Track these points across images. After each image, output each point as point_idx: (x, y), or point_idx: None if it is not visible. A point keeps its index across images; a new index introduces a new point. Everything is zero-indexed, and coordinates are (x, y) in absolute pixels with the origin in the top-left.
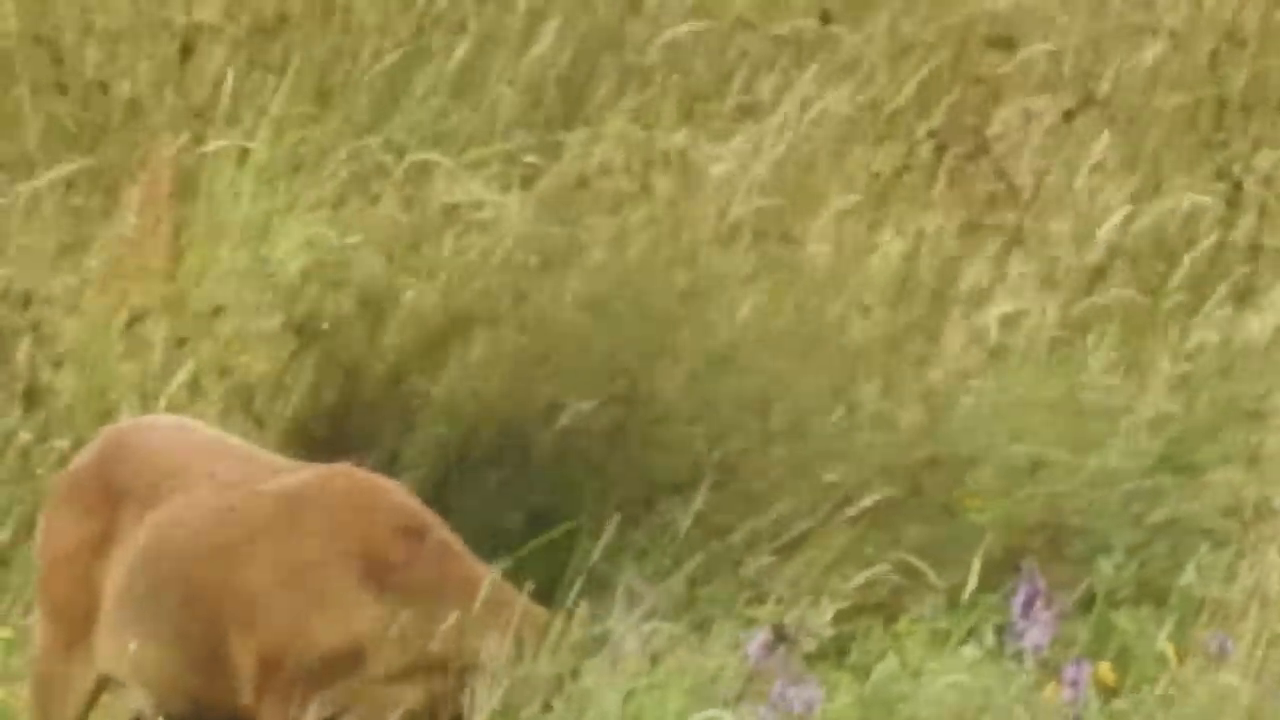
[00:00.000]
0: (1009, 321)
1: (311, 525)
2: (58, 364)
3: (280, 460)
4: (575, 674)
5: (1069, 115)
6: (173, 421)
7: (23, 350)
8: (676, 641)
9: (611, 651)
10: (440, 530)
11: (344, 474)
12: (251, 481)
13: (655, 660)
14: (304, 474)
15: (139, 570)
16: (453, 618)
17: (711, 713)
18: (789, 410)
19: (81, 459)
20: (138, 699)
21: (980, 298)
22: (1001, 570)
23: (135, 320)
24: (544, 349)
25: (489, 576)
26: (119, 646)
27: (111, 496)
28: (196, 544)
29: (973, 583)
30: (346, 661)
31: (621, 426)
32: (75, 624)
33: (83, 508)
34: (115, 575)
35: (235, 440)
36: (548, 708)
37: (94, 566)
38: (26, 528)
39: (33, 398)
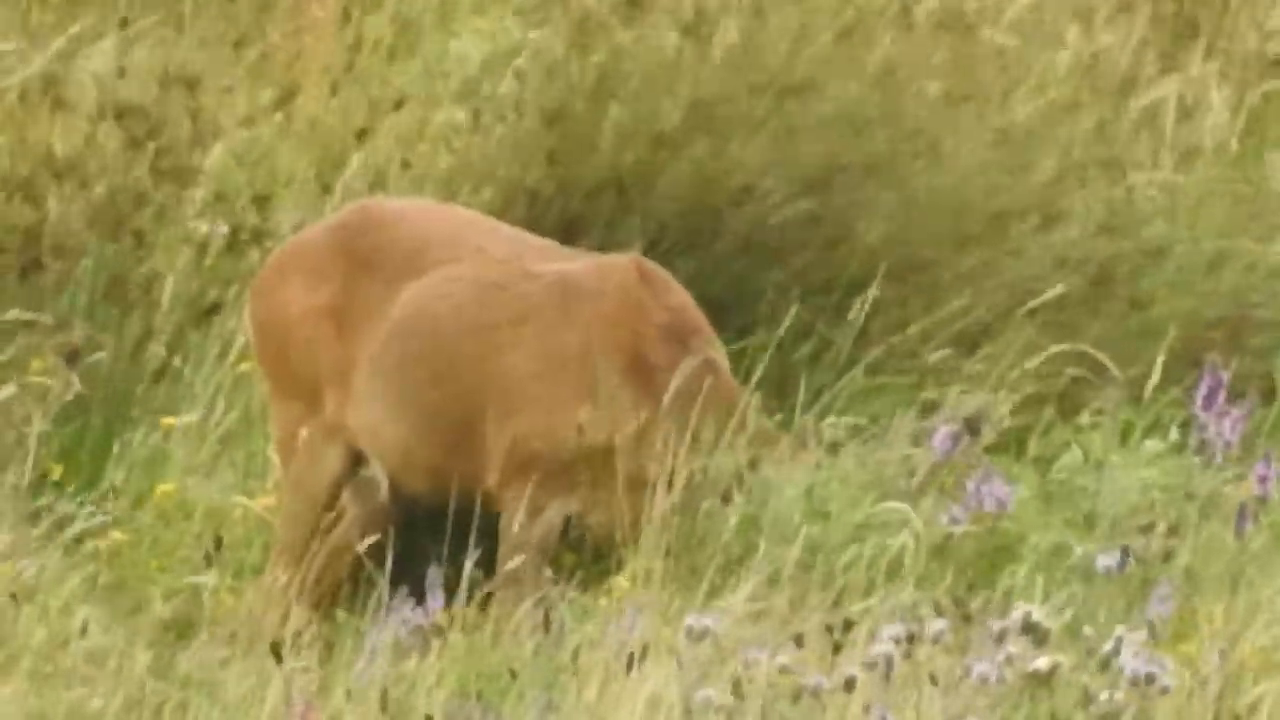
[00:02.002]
0: (1191, 114)
1: (583, 316)
2: (227, 151)
3: (550, 244)
4: (754, 466)
5: None
6: (423, 200)
7: (186, 135)
8: (856, 433)
9: (791, 443)
10: (705, 338)
11: (623, 267)
12: (522, 261)
13: (835, 452)
14: (581, 261)
15: (393, 341)
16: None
17: (892, 505)
18: (973, 204)
19: (314, 231)
20: (376, 472)
21: (1162, 89)
22: (1184, 364)
23: (311, 109)
24: (731, 139)
25: (743, 395)
26: (364, 418)
27: (351, 265)
28: (459, 319)
29: (1156, 376)
30: (600, 460)
31: (806, 217)
32: (307, 393)
33: (315, 275)
34: (365, 346)
35: (498, 221)
36: (727, 500)
37: (327, 333)
38: (195, 317)
39: (200, 185)
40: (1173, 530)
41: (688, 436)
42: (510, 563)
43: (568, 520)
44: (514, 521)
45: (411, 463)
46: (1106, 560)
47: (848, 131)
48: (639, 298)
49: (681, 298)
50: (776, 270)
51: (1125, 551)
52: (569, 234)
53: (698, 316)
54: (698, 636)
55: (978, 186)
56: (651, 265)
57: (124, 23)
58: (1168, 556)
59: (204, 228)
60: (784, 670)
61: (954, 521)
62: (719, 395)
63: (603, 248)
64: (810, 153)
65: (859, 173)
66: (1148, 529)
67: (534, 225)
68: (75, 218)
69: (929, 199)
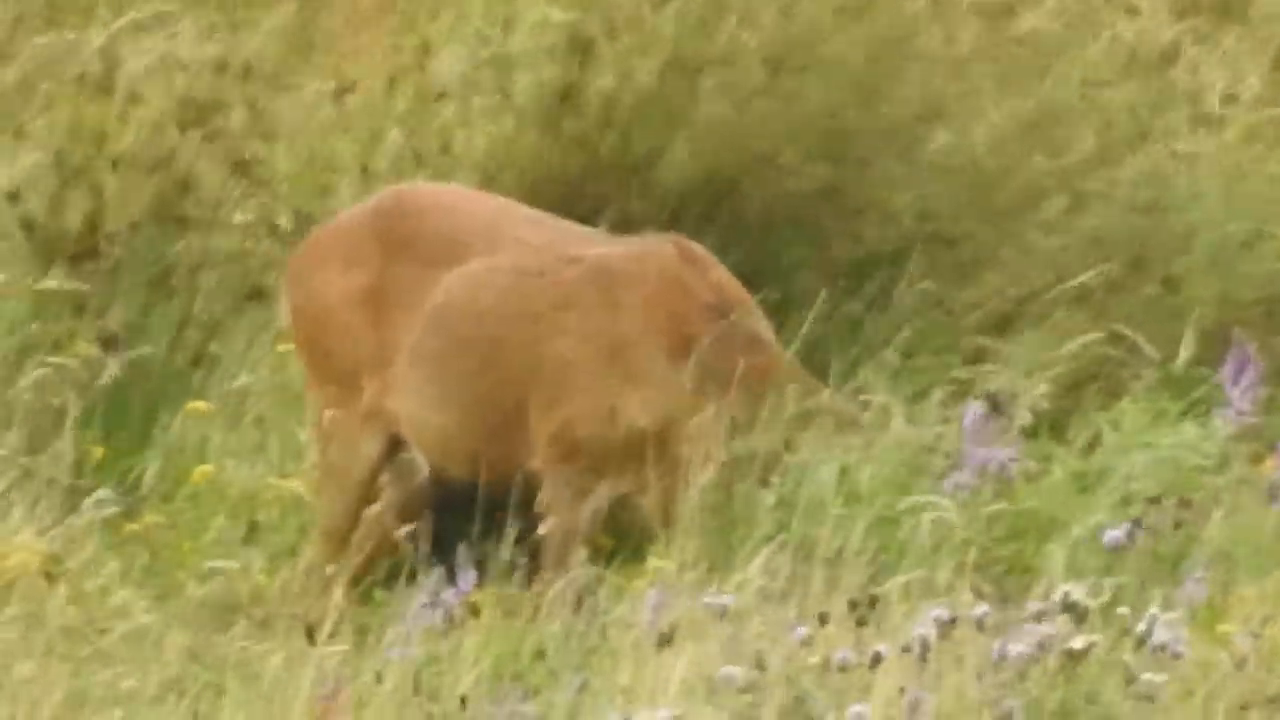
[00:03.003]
0: (1227, 96)
1: (627, 299)
2: (273, 139)
3: (589, 230)
4: (790, 447)
5: None
6: (458, 187)
7: (238, 124)
8: (891, 413)
9: (824, 425)
10: (749, 312)
11: (661, 250)
12: (561, 249)
13: (870, 432)
14: (621, 246)
15: (434, 328)
16: (749, 409)
17: (928, 498)
18: (1007, 184)
19: (350, 215)
20: (416, 456)
21: (1199, 72)
22: (1219, 345)
23: (354, 95)
24: (759, 110)
25: (789, 368)
26: (404, 405)
27: (387, 250)
28: (502, 307)
29: (1185, 354)
30: (651, 441)
31: (834, 190)
32: (344, 377)
33: (350, 260)
34: (403, 332)
35: (531, 208)
36: (764, 481)
37: (363, 318)
38: (239, 303)
39: (246, 172)
40: (1184, 503)
41: (725, 415)
42: (555, 544)
43: (614, 502)
44: (559, 504)
45: (451, 448)
46: (1115, 533)
47: (854, 98)
48: (681, 278)
49: (722, 274)
50: (799, 243)
51: (1136, 523)
52: (592, 216)
53: (740, 291)
54: (717, 614)
55: (1003, 158)
56: (691, 244)
57: (177, 13)
58: (1178, 525)
59: (247, 214)
60: (807, 644)
61: (959, 488)
62: (759, 371)
63: (624, 227)
64: (819, 119)
65: (872, 139)
66: (1155, 501)
67: (563, 207)
68: (127, 204)
69: (950, 170)
